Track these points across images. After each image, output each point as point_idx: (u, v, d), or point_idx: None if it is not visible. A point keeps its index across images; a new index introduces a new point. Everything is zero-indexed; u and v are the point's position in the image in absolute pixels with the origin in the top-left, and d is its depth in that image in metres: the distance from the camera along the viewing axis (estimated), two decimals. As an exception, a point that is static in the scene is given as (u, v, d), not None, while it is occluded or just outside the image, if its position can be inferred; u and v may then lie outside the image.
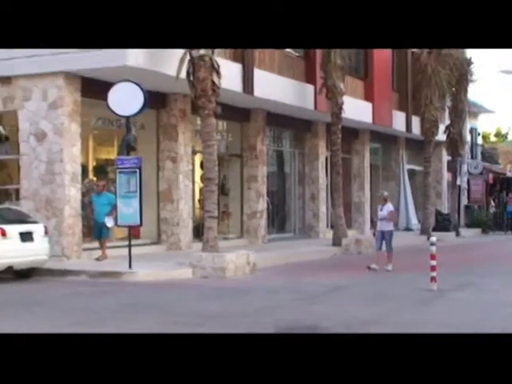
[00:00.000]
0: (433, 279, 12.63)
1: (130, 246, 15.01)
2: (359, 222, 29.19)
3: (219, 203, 18.44)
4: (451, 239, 28.95)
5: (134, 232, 16.70)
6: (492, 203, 40.84)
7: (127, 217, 15.12)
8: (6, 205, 16.35)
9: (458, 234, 31.31)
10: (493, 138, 57.30)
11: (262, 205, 23.11)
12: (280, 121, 24.12)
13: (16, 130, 17.04)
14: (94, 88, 16.61)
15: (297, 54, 23.53)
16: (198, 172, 21.13)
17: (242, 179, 23.03)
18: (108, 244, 16.89)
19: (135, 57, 15.67)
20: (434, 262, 12.60)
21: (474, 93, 34.76)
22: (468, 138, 38.51)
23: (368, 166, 29.81)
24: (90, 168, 19.10)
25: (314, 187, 26.01)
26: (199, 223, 19.79)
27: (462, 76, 31.68)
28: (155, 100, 17.89)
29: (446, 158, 36.07)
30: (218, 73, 16.08)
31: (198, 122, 18.11)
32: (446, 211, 33.63)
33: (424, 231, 28.74)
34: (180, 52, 15.99)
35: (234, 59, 19.55)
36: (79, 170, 16.86)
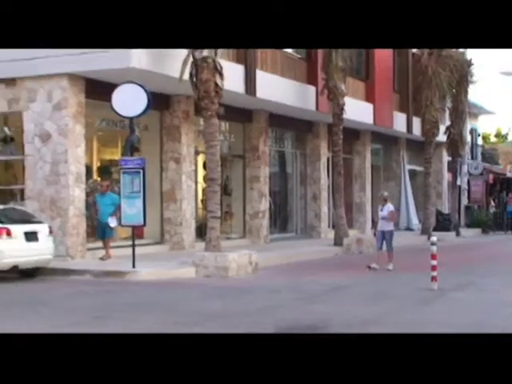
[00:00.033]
0: (433, 279, 12.69)
1: (133, 245, 15.12)
2: (360, 222, 29.28)
3: (222, 203, 18.57)
4: (452, 239, 29.02)
5: (137, 232, 16.76)
6: (492, 203, 40.84)
7: (131, 217, 15.25)
8: (11, 205, 16.44)
9: (458, 234, 31.37)
10: (493, 139, 57.32)
11: (265, 205, 23.19)
12: (282, 122, 24.20)
13: (21, 131, 17.15)
14: (98, 89, 16.70)
15: (298, 56, 23.60)
16: (201, 172, 21.24)
17: (244, 179, 23.09)
18: (112, 244, 16.98)
19: (139, 58, 15.77)
20: (434, 262, 12.66)
21: (474, 94, 34.93)
22: (468, 138, 38.52)
23: (369, 166, 29.89)
24: (94, 168, 19.16)
25: (316, 187, 26.09)
26: (202, 223, 19.92)
27: (462, 77, 31.73)
28: (159, 101, 17.96)
29: (446, 158, 36.10)
30: (221, 74, 16.15)
31: (201, 123, 18.25)
32: (446, 211, 33.67)
33: (424, 231, 28.83)
34: (183, 54, 16.05)
35: (237, 61, 19.61)
36: (83, 170, 16.97)
